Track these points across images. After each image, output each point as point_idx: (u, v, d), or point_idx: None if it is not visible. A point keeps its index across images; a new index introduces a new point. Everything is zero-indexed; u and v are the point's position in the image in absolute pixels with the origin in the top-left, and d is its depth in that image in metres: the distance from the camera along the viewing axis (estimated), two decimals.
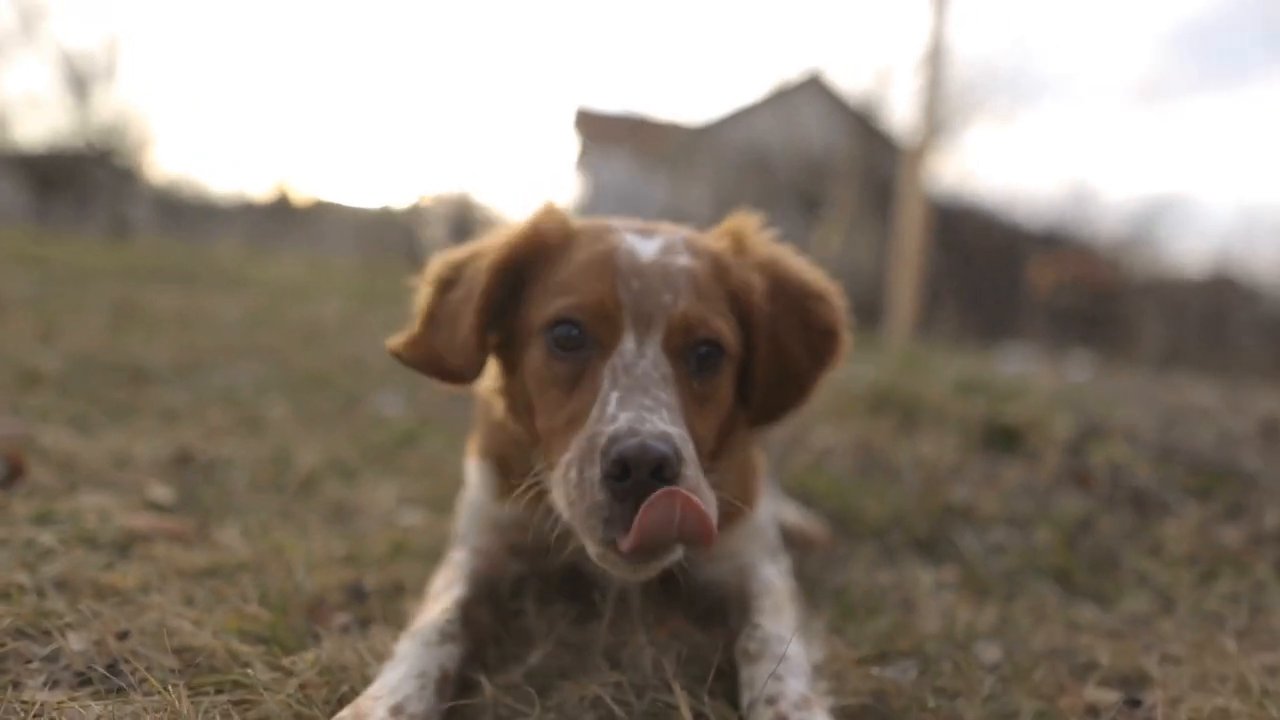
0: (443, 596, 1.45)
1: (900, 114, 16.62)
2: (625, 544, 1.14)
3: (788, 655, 1.31)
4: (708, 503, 1.18)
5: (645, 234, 1.42)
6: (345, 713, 1.14)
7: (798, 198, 16.54)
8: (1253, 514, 2.37)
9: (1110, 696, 1.45)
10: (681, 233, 1.47)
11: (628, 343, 1.30)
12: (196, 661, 1.31)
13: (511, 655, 1.42)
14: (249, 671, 1.27)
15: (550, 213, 1.46)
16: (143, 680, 1.22)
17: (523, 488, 1.35)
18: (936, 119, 9.51)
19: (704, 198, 16.62)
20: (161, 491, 2.11)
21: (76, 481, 2.10)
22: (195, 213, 20.98)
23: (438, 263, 1.51)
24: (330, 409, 3.35)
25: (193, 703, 1.17)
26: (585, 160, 22.96)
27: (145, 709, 1.16)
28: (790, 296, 1.49)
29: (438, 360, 1.43)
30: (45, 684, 1.23)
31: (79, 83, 19.28)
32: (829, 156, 16.44)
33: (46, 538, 1.69)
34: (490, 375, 1.54)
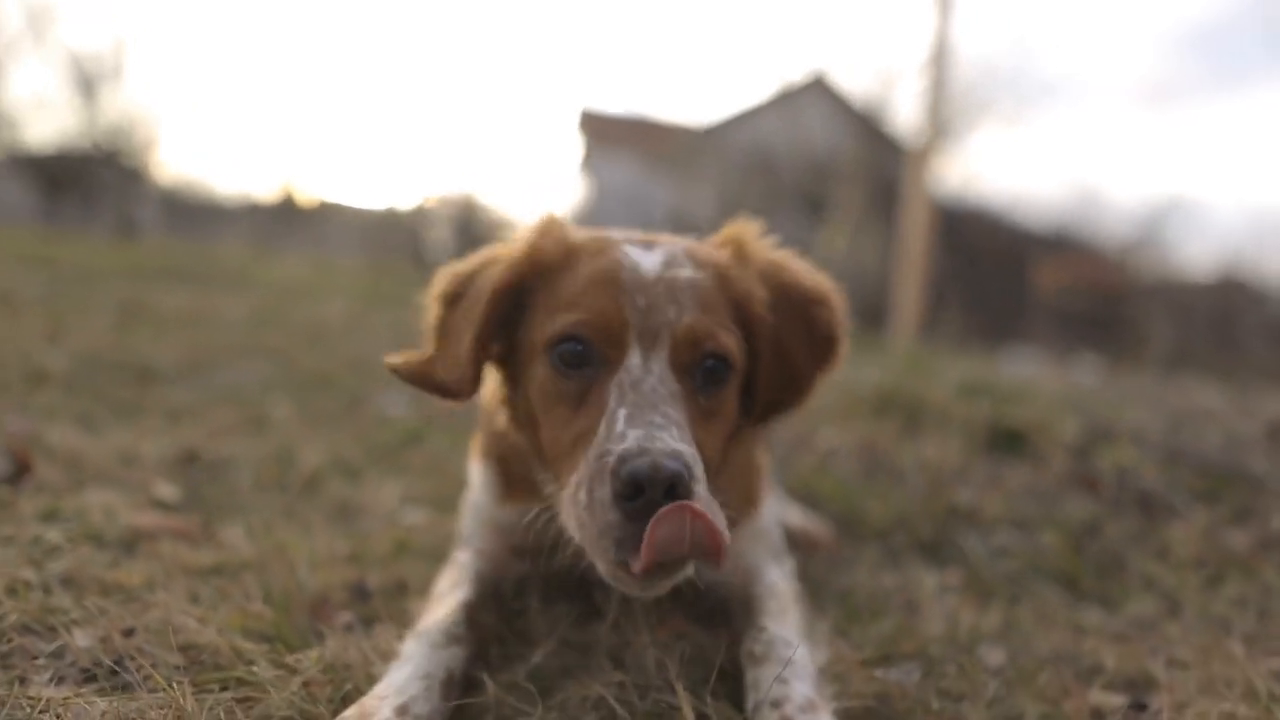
0: (448, 598, 1.45)
1: (905, 116, 16.59)
2: (637, 565, 1.12)
3: (793, 658, 1.30)
4: (716, 517, 1.16)
5: (646, 246, 1.40)
6: (351, 711, 1.15)
7: (802, 199, 16.53)
8: (1260, 517, 2.36)
9: (1116, 700, 1.44)
10: (682, 244, 1.45)
11: (633, 358, 1.28)
12: (201, 659, 1.31)
13: (514, 654, 1.42)
14: (253, 669, 1.28)
15: (549, 229, 1.44)
16: (148, 677, 1.23)
17: (533, 515, 1.33)
18: (941, 121, 9.51)
19: (709, 199, 16.63)
20: (167, 490, 2.12)
21: (83, 479, 2.11)
22: (201, 213, 21.06)
23: (443, 277, 1.50)
24: (334, 408, 3.36)
25: (197, 700, 1.18)
26: (590, 161, 22.98)
27: (150, 706, 1.16)
28: (793, 303, 1.47)
29: (433, 376, 1.42)
30: (51, 680, 1.23)
31: (86, 84, 19.38)
32: (833, 158, 16.43)
33: (53, 535, 1.69)
34: (493, 388, 1.54)
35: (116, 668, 1.26)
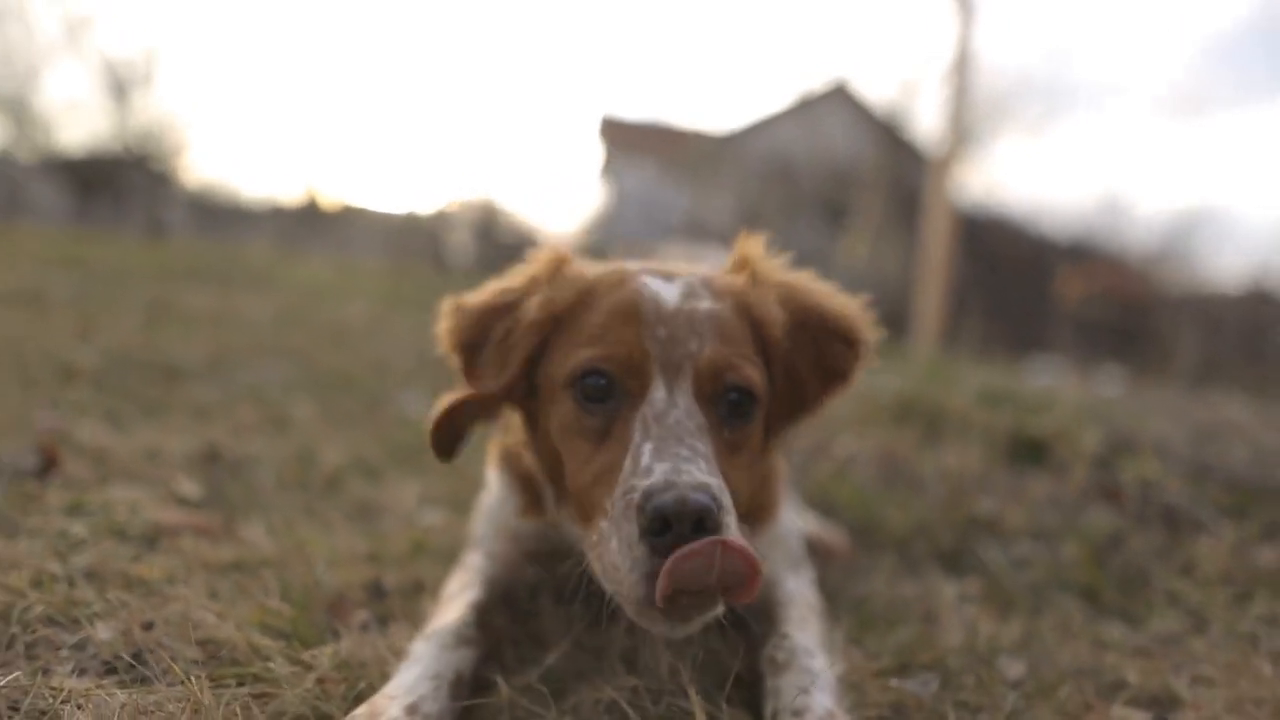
0: (458, 599, 1.45)
1: (927, 124, 16.52)
2: (657, 593, 1.09)
3: (815, 668, 1.29)
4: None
5: (665, 277, 1.39)
6: (361, 710, 1.15)
7: (823, 207, 16.47)
8: None
9: (1138, 716, 1.42)
10: (699, 273, 1.44)
11: (658, 391, 1.27)
12: (219, 654, 1.33)
13: (528, 657, 1.42)
14: (269, 665, 1.29)
15: (559, 272, 1.43)
16: (166, 670, 1.24)
17: (568, 566, 1.32)
18: (964, 129, 9.44)
19: (728, 207, 16.62)
20: (189, 487, 2.14)
21: (108, 475, 2.14)
22: (228, 216, 21.33)
23: (460, 322, 1.48)
24: (355, 408, 3.39)
25: (214, 694, 1.19)
26: (610, 168, 23.04)
27: (168, 699, 1.18)
28: (809, 328, 1.46)
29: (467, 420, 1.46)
30: (73, 671, 1.25)
31: (119, 90, 19.74)
32: (854, 166, 16.37)
33: (78, 529, 1.72)
34: (516, 430, 1.54)
35: (136, 661, 1.27)
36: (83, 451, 2.27)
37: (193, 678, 1.20)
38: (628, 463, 1.20)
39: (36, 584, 1.44)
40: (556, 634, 1.48)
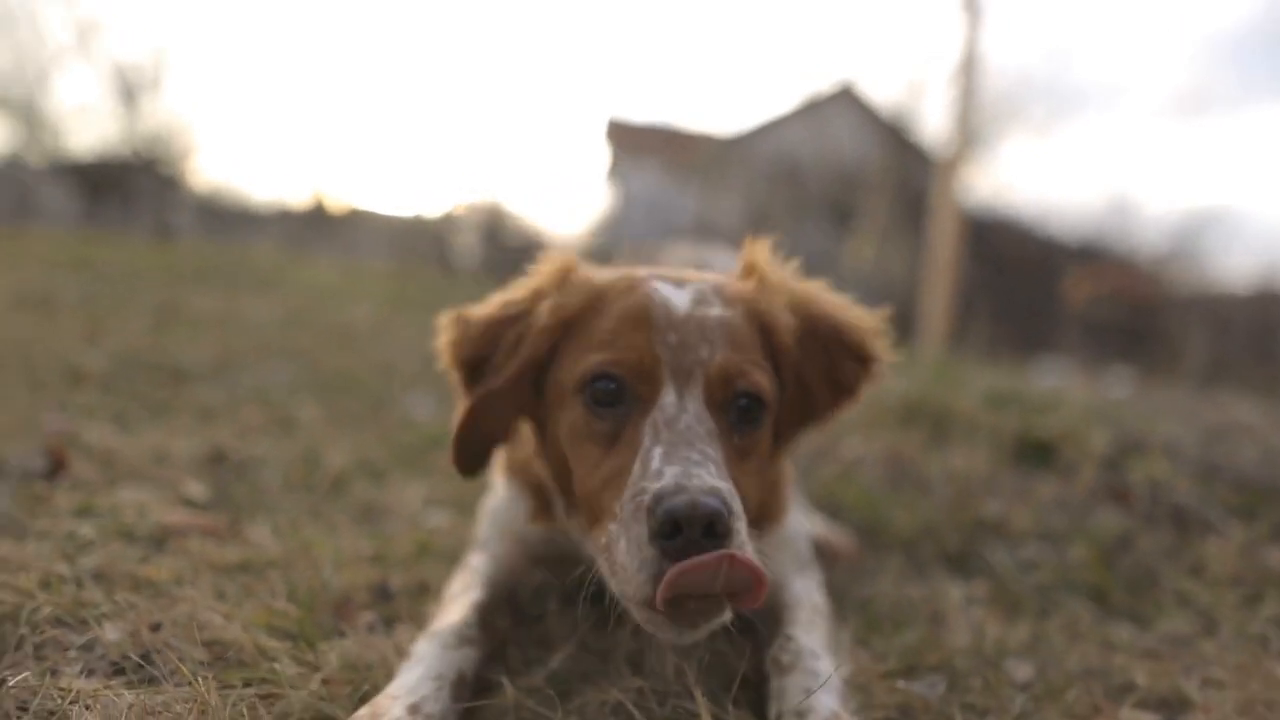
0: (460, 599, 1.45)
1: (933, 125, 16.48)
2: (657, 594, 1.09)
3: (821, 670, 1.29)
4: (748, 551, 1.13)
5: (676, 283, 1.38)
6: (363, 711, 1.15)
7: (830, 209, 16.44)
8: None
9: (1148, 719, 1.41)
10: (710, 280, 1.44)
11: (668, 396, 1.27)
12: (225, 655, 1.33)
13: (533, 659, 1.42)
14: (275, 666, 1.29)
15: (568, 278, 1.43)
16: (173, 671, 1.25)
17: (576, 571, 1.31)
18: (970, 130, 9.42)
19: (734, 209, 16.61)
20: (196, 488, 2.15)
21: (116, 477, 2.15)
22: (235, 219, 21.42)
23: (461, 337, 1.47)
24: (360, 410, 3.39)
25: (220, 695, 1.19)
26: (616, 170, 23.05)
27: (175, 700, 1.18)
28: (821, 339, 1.46)
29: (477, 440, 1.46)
30: (82, 672, 1.25)
31: (128, 93, 19.86)
32: (861, 168, 16.33)
33: (86, 530, 1.73)
34: (526, 442, 1.54)
35: (144, 662, 1.28)
36: (91, 453, 2.28)
37: (199, 678, 1.20)
38: (637, 466, 1.20)
39: (45, 585, 1.45)
40: (562, 636, 1.48)
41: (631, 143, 22.80)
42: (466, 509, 2.14)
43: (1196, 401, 5.49)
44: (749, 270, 1.49)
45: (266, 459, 2.50)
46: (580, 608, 1.54)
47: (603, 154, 24.50)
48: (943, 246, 8.03)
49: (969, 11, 7.99)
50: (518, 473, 1.59)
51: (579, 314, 1.38)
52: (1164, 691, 1.50)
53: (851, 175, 16.32)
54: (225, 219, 20.77)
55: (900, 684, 1.43)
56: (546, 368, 1.39)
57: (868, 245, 14.02)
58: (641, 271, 1.44)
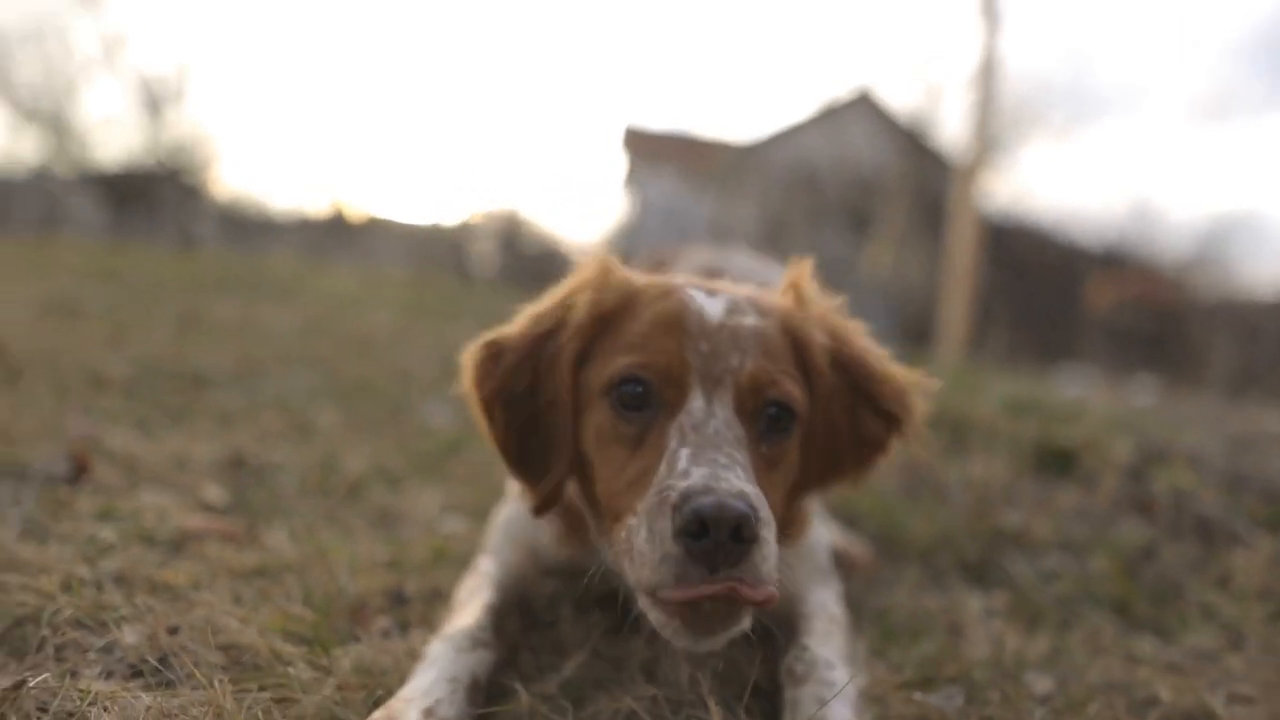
0: (472, 603, 1.45)
1: (952, 131, 16.38)
2: (672, 593, 1.10)
3: (835, 681, 1.28)
4: (772, 560, 1.13)
5: (710, 292, 1.38)
6: (378, 714, 1.16)
7: (847, 216, 16.39)
8: None
9: None
10: (745, 290, 1.44)
11: (696, 401, 1.26)
12: (241, 659, 1.34)
13: (547, 665, 1.42)
14: (290, 670, 1.30)
15: (607, 277, 1.41)
16: (190, 674, 1.25)
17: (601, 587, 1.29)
18: (989, 135, 9.36)
19: (752, 216, 16.58)
20: (215, 493, 2.17)
21: (137, 481, 2.18)
22: (256, 228, 21.67)
23: (493, 371, 1.40)
24: (378, 417, 3.41)
25: (236, 698, 1.20)
26: (633, 178, 23.09)
27: (191, 703, 1.19)
28: (851, 380, 1.43)
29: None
30: (101, 674, 1.27)
31: (153, 105, 20.18)
32: (879, 174, 16.27)
33: (107, 534, 1.75)
34: None
35: (161, 665, 1.29)
36: (113, 458, 2.31)
37: (216, 682, 1.21)
38: (663, 466, 1.19)
39: (66, 588, 1.47)
40: (576, 643, 1.48)
41: (649, 150, 22.83)
42: (483, 515, 2.14)
43: (1222, 410, 5.41)
44: (790, 288, 1.48)
45: (285, 465, 2.52)
46: (593, 615, 1.55)
47: (620, 162, 24.58)
48: (961, 253, 7.97)
49: (987, 16, 7.95)
50: None
51: (615, 312, 1.37)
52: (1189, 707, 1.48)
53: (869, 182, 16.27)
54: (246, 228, 21.01)
55: (917, 696, 1.42)
56: (579, 369, 1.37)
57: (886, 252, 13.96)
58: (678, 278, 1.43)
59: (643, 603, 1.20)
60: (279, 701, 1.24)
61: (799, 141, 19.61)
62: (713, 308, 1.34)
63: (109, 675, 1.27)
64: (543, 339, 1.39)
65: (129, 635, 1.35)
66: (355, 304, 8.14)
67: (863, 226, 15.47)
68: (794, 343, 1.38)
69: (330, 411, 3.36)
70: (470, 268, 19.24)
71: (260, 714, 1.19)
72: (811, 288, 1.48)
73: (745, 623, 1.17)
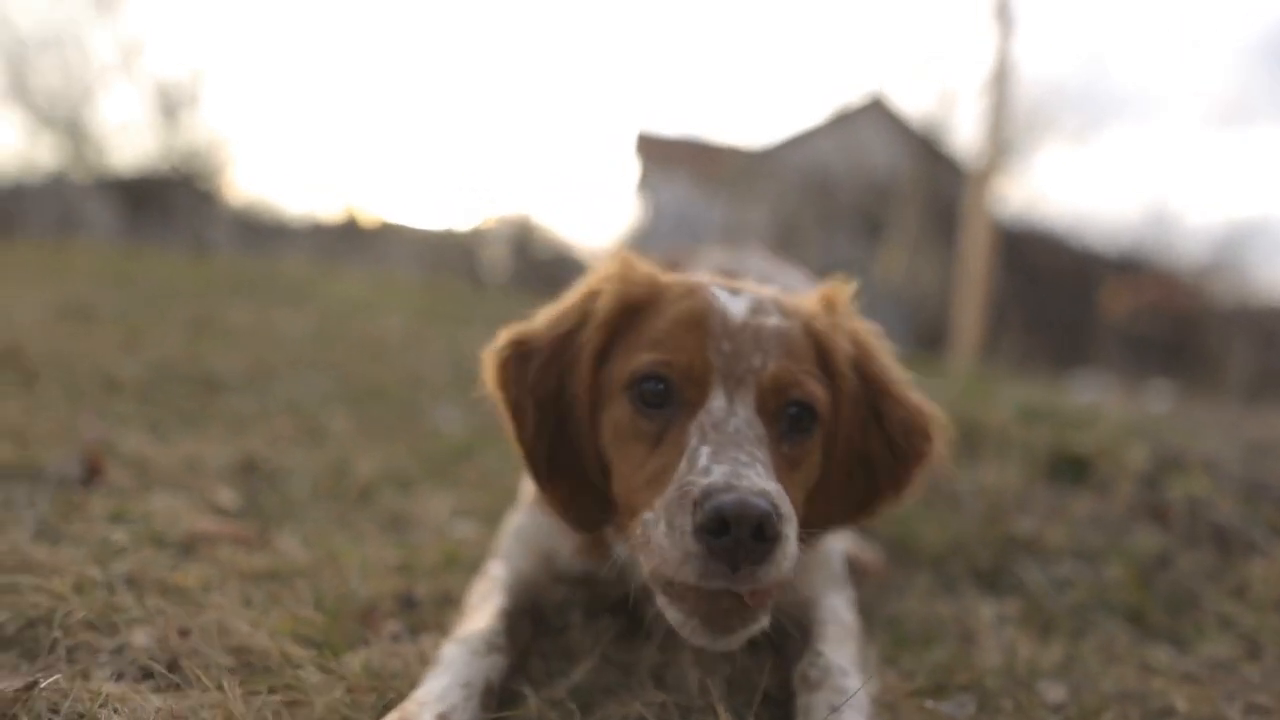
0: (484, 607, 1.45)
1: (965, 136, 16.32)
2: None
3: (848, 687, 1.27)
4: (793, 559, 1.13)
5: (734, 291, 1.37)
6: (391, 716, 1.15)
7: (860, 221, 16.35)
8: None
9: None
10: (768, 290, 1.43)
11: (717, 400, 1.25)
12: (251, 661, 1.34)
13: (556, 670, 1.41)
14: (300, 673, 1.30)
15: (631, 270, 1.40)
16: (200, 677, 1.26)
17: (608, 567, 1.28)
18: (1003, 140, 9.31)
19: (764, 221, 16.57)
20: (227, 496, 2.18)
21: (149, 484, 2.19)
22: (270, 233, 21.82)
23: (523, 369, 1.37)
24: (390, 421, 3.42)
25: (245, 701, 1.20)
26: (645, 183, 23.12)
27: (201, 705, 1.19)
28: (872, 400, 1.40)
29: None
30: (111, 676, 1.27)
31: (168, 110, 20.38)
32: (892, 179, 16.22)
33: (119, 536, 1.76)
34: None
35: (172, 667, 1.29)
36: (126, 461, 2.33)
37: (225, 685, 1.21)
38: (683, 463, 1.18)
39: (78, 589, 1.47)
40: (585, 648, 1.47)
41: (661, 155, 22.86)
42: (493, 519, 2.15)
43: (1239, 417, 5.35)
44: (823, 297, 1.46)
45: (296, 468, 2.53)
46: (603, 620, 1.55)
47: (632, 167, 24.60)
48: (975, 258, 7.93)
49: (1001, 20, 7.92)
50: None
51: (638, 307, 1.36)
52: (1205, 717, 1.46)
53: (882, 187, 16.22)
54: (260, 233, 21.16)
55: (929, 703, 1.40)
56: (601, 364, 1.35)
57: (899, 257, 13.91)
58: (702, 276, 1.43)
59: (660, 600, 1.19)
60: (289, 704, 1.24)
61: (811, 146, 19.58)
62: (736, 307, 1.33)
63: (120, 677, 1.27)
64: (568, 335, 1.38)
65: (140, 637, 1.36)
66: (367, 309, 8.17)
67: (875, 232, 15.43)
68: (817, 345, 1.37)
69: (342, 416, 3.37)
70: (482, 273, 19.30)
71: (270, 716, 1.19)
72: (845, 303, 1.46)
73: (764, 621, 1.17)
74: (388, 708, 1.22)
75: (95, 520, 1.85)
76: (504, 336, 1.40)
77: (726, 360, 1.27)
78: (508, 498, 2.07)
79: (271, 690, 1.26)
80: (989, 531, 2.37)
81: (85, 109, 19.97)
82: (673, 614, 1.17)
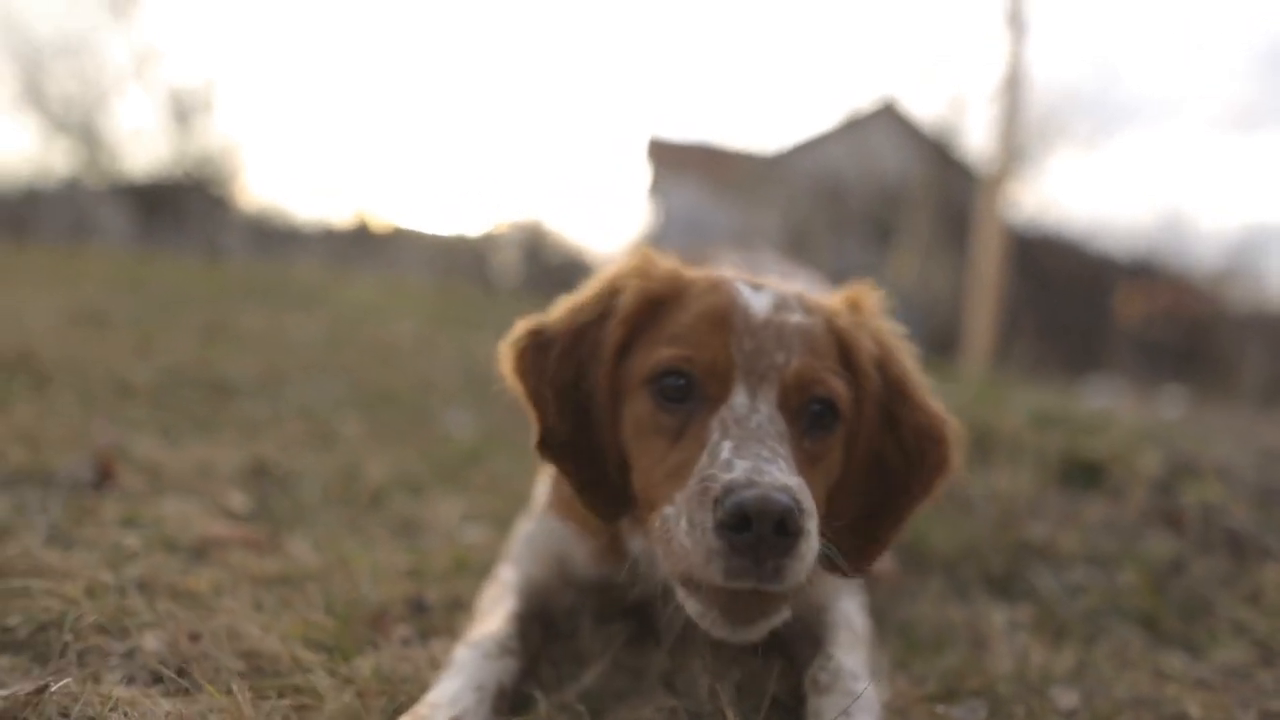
0: (496, 611, 1.45)
1: (977, 141, 16.27)
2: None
3: (859, 692, 1.26)
4: (814, 554, 1.13)
5: (757, 288, 1.37)
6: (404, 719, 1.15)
7: (871, 226, 16.31)
8: None
9: None
10: (793, 287, 1.43)
11: (739, 396, 1.25)
12: (261, 665, 1.35)
13: (566, 674, 1.41)
14: (311, 677, 1.30)
15: (652, 266, 1.39)
16: (211, 681, 1.26)
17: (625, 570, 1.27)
18: (1015, 146, 9.26)
19: (775, 226, 16.55)
20: (238, 500, 2.19)
21: (161, 488, 2.20)
22: (282, 238, 21.96)
23: (542, 358, 1.36)
24: (401, 426, 3.43)
25: (255, 705, 1.20)
26: (657, 188, 23.15)
27: (211, 709, 1.19)
28: (890, 401, 1.39)
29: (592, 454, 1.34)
30: (122, 679, 1.27)
31: (181, 117, 20.55)
32: (903, 185, 16.18)
33: (131, 540, 1.77)
34: None
35: (182, 671, 1.29)
36: (138, 465, 2.34)
37: (236, 689, 1.21)
38: (704, 457, 1.18)
39: (89, 593, 1.48)
40: (595, 652, 1.47)
41: (672, 160, 22.89)
42: (503, 524, 2.15)
43: (1253, 422, 5.30)
44: (847, 298, 1.46)
45: (307, 473, 2.54)
46: (613, 625, 1.55)
47: (644, 172, 24.64)
48: (987, 263, 7.90)
49: (1013, 25, 7.89)
50: (575, 512, 1.50)
51: (662, 300, 1.35)
52: None
53: (894, 192, 16.18)
54: (272, 238, 21.30)
55: (940, 709, 1.40)
56: (621, 359, 1.35)
57: (910, 262, 13.86)
58: (728, 272, 1.43)
59: (680, 593, 1.19)
60: (299, 708, 1.24)
61: (823, 151, 19.57)
62: (759, 303, 1.33)
63: (130, 681, 1.28)
64: (587, 328, 1.37)
65: (151, 641, 1.36)
66: (379, 314, 8.21)
67: (887, 237, 15.38)
68: (840, 342, 1.36)
69: (353, 420, 3.39)
70: (493, 278, 19.37)
71: None
72: (871, 303, 1.46)
73: (785, 613, 1.16)
74: (398, 711, 1.22)
75: (107, 524, 1.86)
76: (522, 326, 1.41)
77: (749, 357, 1.27)
78: (518, 502, 2.08)
79: (281, 694, 1.27)
80: (1001, 537, 2.35)
81: (99, 115, 20.17)
82: (692, 605, 1.17)
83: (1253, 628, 1.88)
